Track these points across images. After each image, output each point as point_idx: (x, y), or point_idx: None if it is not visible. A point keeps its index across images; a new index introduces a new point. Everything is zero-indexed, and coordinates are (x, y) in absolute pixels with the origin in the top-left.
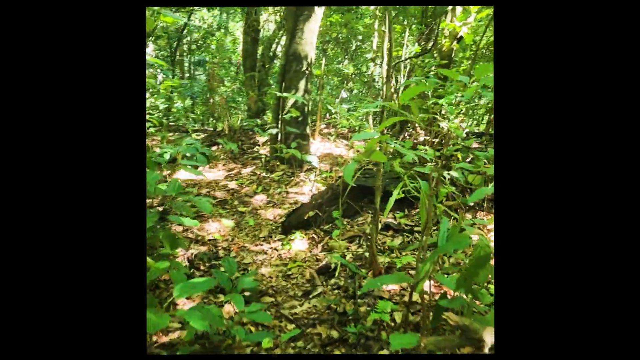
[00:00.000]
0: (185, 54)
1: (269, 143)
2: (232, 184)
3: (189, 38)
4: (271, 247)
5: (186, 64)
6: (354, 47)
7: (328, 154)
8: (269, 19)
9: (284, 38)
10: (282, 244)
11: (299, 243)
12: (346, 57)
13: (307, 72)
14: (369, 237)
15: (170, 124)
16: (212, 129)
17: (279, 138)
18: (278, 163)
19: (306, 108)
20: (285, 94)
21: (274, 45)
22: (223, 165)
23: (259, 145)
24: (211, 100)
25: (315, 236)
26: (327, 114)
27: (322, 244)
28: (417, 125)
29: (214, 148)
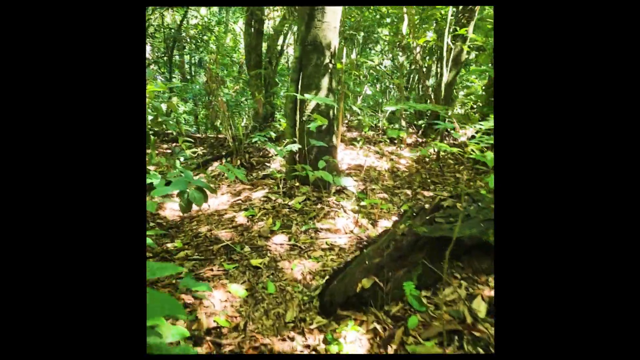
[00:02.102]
0: (183, 54)
1: (285, 159)
2: (241, 217)
3: (185, 36)
4: (307, 346)
5: (187, 66)
6: (375, 35)
7: (357, 165)
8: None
9: (293, 28)
10: (326, 339)
11: (354, 339)
12: (368, 46)
13: (330, 65)
14: (475, 332)
15: (167, 131)
16: (213, 138)
17: (296, 151)
18: (297, 184)
19: (332, 112)
20: (306, 96)
21: (281, 38)
22: (228, 186)
23: (271, 158)
24: (213, 105)
25: (378, 326)
26: (348, 115)
27: (392, 343)
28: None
29: (215, 164)
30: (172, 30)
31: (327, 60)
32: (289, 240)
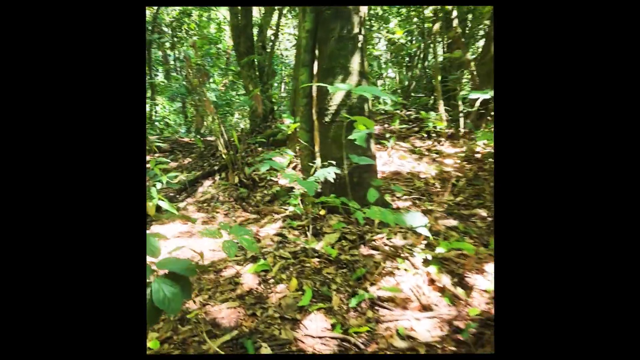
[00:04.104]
0: (163, 46)
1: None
2: (248, 274)
3: (161, 25)
4: None
5: (172, 61)
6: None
7: (393, 173)
8: None
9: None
10: None
11: None
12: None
13: (360, 36)
14: None
15: (150, 136)
16: (203, 146)
17: (318, 165)
18: (323, 211)
19: (366, 106)
20: (340, 86)
21: (275, 16)
22: (225, 215)
23: (278, 172)
24: (197, 106)
25: None
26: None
27: None
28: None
29: (207, 184)
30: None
31: (355, 30)
32: (333, 327)
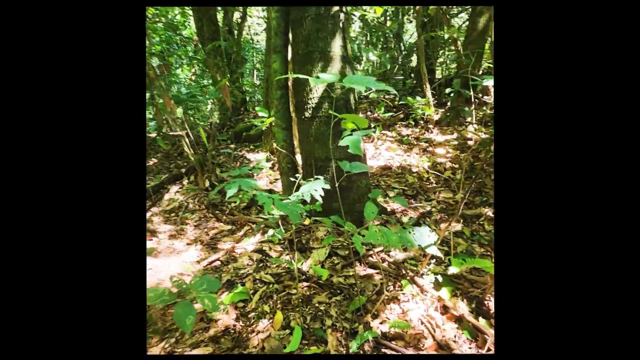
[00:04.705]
0: None
1: (284, 186)
2: (223, 305)
3: None
4: None
5: None
6: None
7: (382, 168)
8: None
9: None
10: None
11: None
12: None
13: (342, 15)
14: None
15: None
16: (167, 145)
17: (300, 172)
18: (307, 221)
19: (352, 97)
20: (324, 77)
21: None
22: (195, 226)
23: (254, 170)
24: (156, 103)
25: None
26: None
27: None
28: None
29: (175, 189)
30: None
31: (335, 7)
32: None
